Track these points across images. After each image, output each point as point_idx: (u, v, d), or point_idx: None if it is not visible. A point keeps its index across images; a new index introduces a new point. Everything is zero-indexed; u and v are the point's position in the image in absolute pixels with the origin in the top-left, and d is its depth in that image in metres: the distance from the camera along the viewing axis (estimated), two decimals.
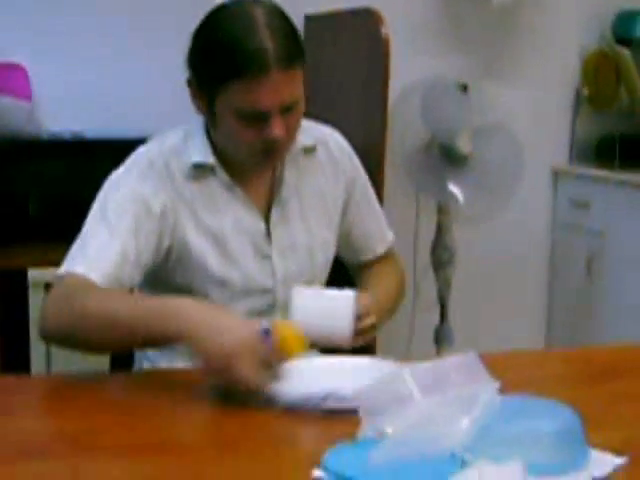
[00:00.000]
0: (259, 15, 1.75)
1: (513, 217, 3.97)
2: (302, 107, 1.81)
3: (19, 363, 2.91)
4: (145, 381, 1.74)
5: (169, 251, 1.86)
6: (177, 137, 1.90)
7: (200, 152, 1.87)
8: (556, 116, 4.20)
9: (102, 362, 2.17)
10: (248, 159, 1.84)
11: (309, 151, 1.97)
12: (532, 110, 4.06)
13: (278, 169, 1.93)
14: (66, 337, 1.69)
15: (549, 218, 4.22)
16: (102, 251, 1.75)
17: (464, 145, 3.53)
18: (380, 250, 2.14)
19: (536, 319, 4.28)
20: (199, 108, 1.84)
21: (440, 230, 3.72)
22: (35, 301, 2.92)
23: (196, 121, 1.91)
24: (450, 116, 3.55)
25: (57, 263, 2.92)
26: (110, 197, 1.82)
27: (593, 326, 3.94)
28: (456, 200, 3.54)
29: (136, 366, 2.02)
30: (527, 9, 4.03)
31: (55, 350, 2.93)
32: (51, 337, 1.72)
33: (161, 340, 1.61)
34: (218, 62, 1.75)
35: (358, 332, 1.77)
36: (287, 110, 1.76)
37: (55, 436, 1.47)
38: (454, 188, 3.53)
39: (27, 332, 2.93)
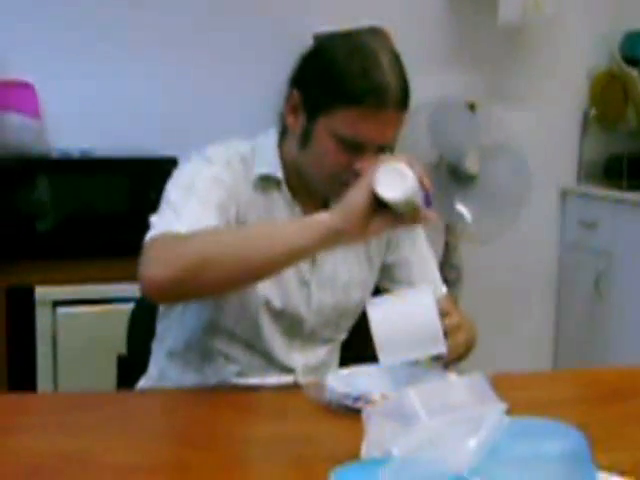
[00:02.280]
0: (384, 52, 1.77)
1: (521, 237, 3.96)
2: (391, 149, 1.81)
3: (25, 380, 2.92)
4: (149, 400, 1.74)
5: None
6: (246, 147, 1.90)
7: (269, 164, 1.87)
8: (564, 136, 4.20)
9: (108, 379, 2.17)
10: (326, 184, 1.82)
11: None
12: (540, 130, 4.06)
13: (332, 199, 1.88)
14: (193, 272, 1.59)
15: (557, 238, 4.21)
16: (199, 218, 1.71)
17: (472, 165, 3.53)
18: None
19: (544, 338, 4.26)
20: (292, 124, 1.84)
21: (448, 249, 3.72)
22: (42, 318, 2.93)
23: (264, 136, 1.91)
24: (458, 136, 3.56)
25: (64, 281, 2.97)
26: (196, 177, 1.79)
27: (601, 345, 3.93)
28: (464, 219, 3.54)
29: (142, 382, 2.01)
30: (534, 29, 4.03)
31: (61, 367, 2.94)
32: (170, 283, 1.60)
33: (303, 236, 1.62)
34: (336, 87, 1.75)
35: (445, 331, 1.67)
36: (382, 149, 1.77)
37: (57, 456, 1.46)
38: (462, 207, 3.53)
39: (34, 349, 2.93)
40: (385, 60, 1.76)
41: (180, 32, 3.57)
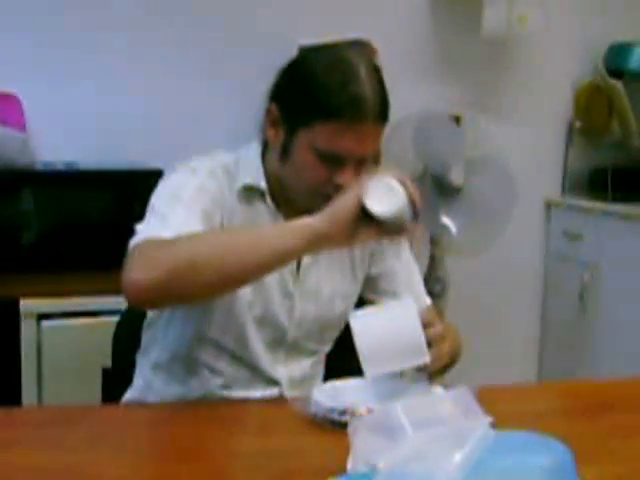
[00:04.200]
0: (362, 65, 1.77)
1: (505, 248, 3.97)
2: (371, 161, 1.81)
3: (10, 393, 2.90)
4: (134, 414, 1.73)
5: None
6: (229, 159, 1.90)
7: (253, 175, 1.88)
8: (549, 148, 4.22)
9: (93, 392, 2.17)
10: (307, 197, 1.82)
11: None
12: (525, 142, 4.07)
13: (314, 212, 1.91)
14: (179, 275, 1.57)
15: (542, 250, 4.23)
16: (184, 225, 1.70)
17: (457, 177, 3.54)
18: None
19: (529, 350, 4.27)
20: (272, 137, 1.84)
21: (432, 262, 3.73)
22: (27, 332, 2.92)
23: (247, 148, 1.92)
24: (443, 148, 3.56)
25: (49, 294, 2.96)
26: (183, 184, 1.80)
27: (586, 356, 3.94)
28: (449, 232, 3.54)
29: (127, 394, 2.00)
30: (518, 41, 4.05)
31: (46, 380, 2.93)
32: (155, 286, 1.57)
33: (289, 238, 1.62)
34: (314, 101, 1.75)
35: (429, 341, 1.68)
36: (362, 161, 1.78)
37: (41, 472, 1.45)
38: (447, 220, 3.53)
39: (18, 363, 2.92)
40: (363, 73, 1.75)
41: (164, 46, 3.56)
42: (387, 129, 3.43)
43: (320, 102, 1.74)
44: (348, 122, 1.72)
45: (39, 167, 3.29)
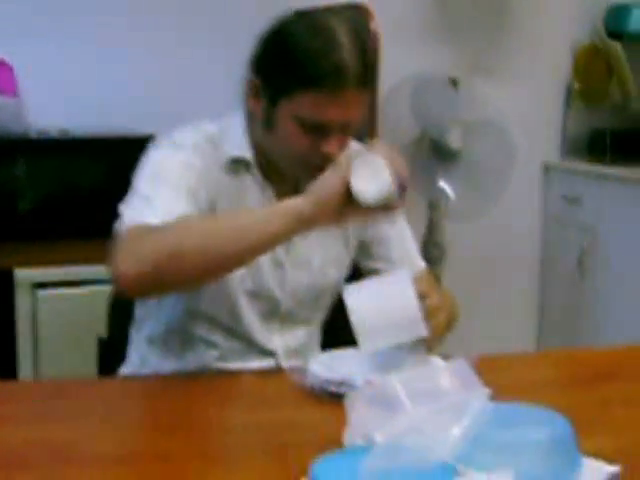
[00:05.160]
0: (343, 30, 1.73)
1: (504, 212, 3.94)
2: (357, 126, 1.79)
3: (6, 364, 2.89)
4: (129, 387, 1.71)
5: None
6: (214, 128, 1.87)
7: (238, 147, 1.85)
8: (547, 111, 4.18)
9: (89, 361, 2.15)
10: (293, 167, 1.81)
11: None
12: (523, 105, 4.04)
13: (303, 181, 1.87)
14: (167, 267, 1.57)
15: (540, 214, 4.20)
16: (170, 207, 1.68)
17: (454, 141, 3.52)
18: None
19: (528, 316, 4.26)
20: (253, 108, 1.82)
21: (430, 227, 3.71)
22: (22, 301, 2.90)
23: (233, 116, 1.89)
24: (440, 111, 3.54)
25: (44, 263, 2.93)
26: (165, 164, 1.78)
27: (585, 322, 3.93)
28: (446, 196, 3.52)
29: (123, 369, 1.99)
30: (517, 2, 4.01)
31: (42, 350, 2.92)
32: (144, 278, 1.57)
33: (275, 223, 1.60)
34: (294, 70, 1.72)
35: (426, 313, 1.64)
36: (347, 127, 1.76)
37: (36, 447, 1.44)
38: (444, 184, 3.51)
39: (14, 333, 2.90)
40: (344, 39, 1.72)
41: (163, 13, 3.53)
42: (384, 93, 3.44)
43: (300, 71, 1.71)
44: (329, 90, 1.70)
45: (33, 134, 3.25)
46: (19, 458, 1.39)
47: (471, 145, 3.54)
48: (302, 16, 1.79)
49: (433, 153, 3.56)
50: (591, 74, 4.08)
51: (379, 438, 1.33)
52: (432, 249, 3.69)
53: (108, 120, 3.35)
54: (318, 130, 1.73)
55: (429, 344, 1.71)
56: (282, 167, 1.84)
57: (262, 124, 1.81)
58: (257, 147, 1.86)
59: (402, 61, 3.68)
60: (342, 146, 1.77)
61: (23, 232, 3.08)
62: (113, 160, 3.19)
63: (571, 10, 4.12)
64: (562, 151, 4.22)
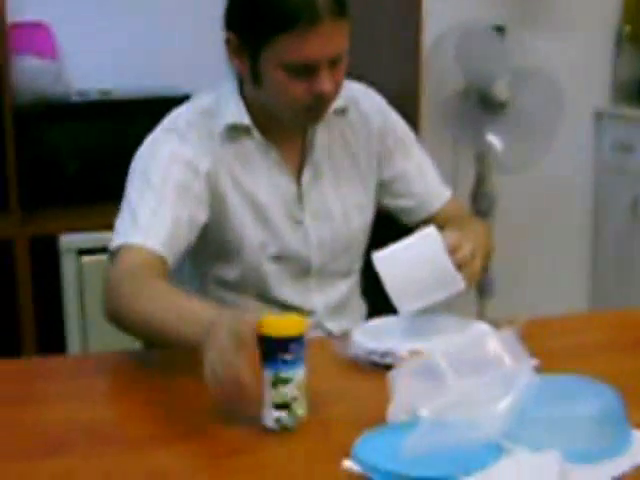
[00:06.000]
0: None
1: (554, 163, 3.87)
2: (347, 60, 1.77)
3: (53, 332, 2.90)
4: (174, 361, 1.68)
5: (211, 210, 1.83)
6: (209, 99, 1.87)
7: (234, 113, 1.84)
8: (597, 56, 4.07)
9: None
10: (294, 116, 1.79)
11: (340, 113, 1.92)
12: (571, 51, 3.94)
13: (310, 132, 1.89)
14: (120, 326, 1.65)
15: (591, 163, 4.11)
16: (154, 219, 1.72)
17: (501, 91, 3.44)
18: (436, 206, 2.03)
19: (579, 268, 4.18)
20: (239, 67, 1.80)
21: (479, 179, 3.65)
22: (67, 268, 2.90)
23: (227, 84, 1.88)
24: (487, 61, 3.45)
25: (89, 228, 2.91)
26: (151, 162, 1.80)
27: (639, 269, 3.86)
28: (494, 149, 3.46)
29: None
30: None
31: (89, 316, 2.92)
32: (110, 320, 1.66)
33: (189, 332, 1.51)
34: (265, 16, 1.70)
35: (459, 265, 1.65)
36: (335, 63, 1.73)
37: (76, 427, 1.43)
38: (492, 137, 3.44)
39: (60, 299, 2.90)
40: None
41: None
42: (428, 44, 3.36)
43: (271, 16, 1.69)
44: (305, 27, 1.67)
45: (73, 96, 3.22)
46: (58, 439, 1.38)
47: (519, 95, 3.46)
48: None
49: (480, 105, 3.49)
50: None
51: (423, 414, 1.30)
52: (481, 201, 3.63)
53: (148, 80, 3.32)
54: (306, 71, 1.71)
55: (467, 287, 1.69)
56: (282, 120, 1.82)
57: (251, 81, 1.79)
58: (254, 109, 1.84)
59: (446, 10, 3.61)
60: (336, 81, 1.75)
61: (67, 197, 3.07)
62: (155, 121, 3.15)
63: None
64: (613, 97, 4.11)
